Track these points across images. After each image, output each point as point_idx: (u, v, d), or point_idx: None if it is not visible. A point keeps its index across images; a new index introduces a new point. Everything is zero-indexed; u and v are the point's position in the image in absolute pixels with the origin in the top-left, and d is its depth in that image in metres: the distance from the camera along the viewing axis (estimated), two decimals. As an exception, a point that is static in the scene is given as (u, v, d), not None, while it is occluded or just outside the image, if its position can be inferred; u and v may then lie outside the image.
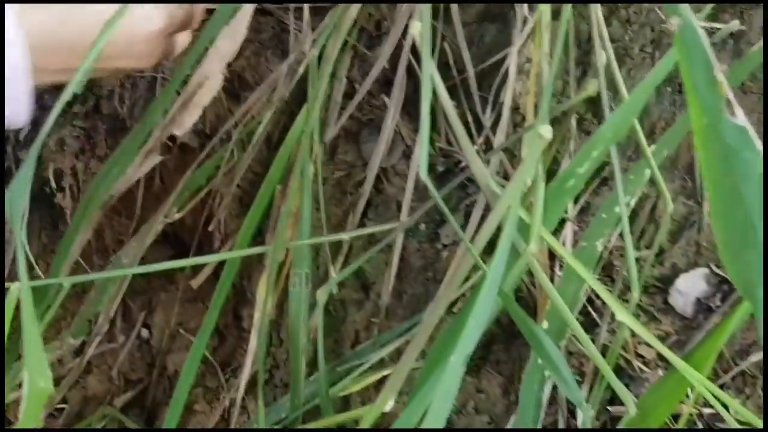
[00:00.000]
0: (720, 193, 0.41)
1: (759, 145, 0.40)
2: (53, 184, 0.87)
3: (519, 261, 0.62)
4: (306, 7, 0.84)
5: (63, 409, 0.87)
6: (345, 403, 0.77)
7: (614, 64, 0.66)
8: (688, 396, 0.70)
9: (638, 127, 0.63)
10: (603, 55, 0.65)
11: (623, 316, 0.59)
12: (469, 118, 0.81)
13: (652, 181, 0.73)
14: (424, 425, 0.58)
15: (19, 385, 0.91)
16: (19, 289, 0.67)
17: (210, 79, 0.57)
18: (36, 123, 0.91)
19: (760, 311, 0.38)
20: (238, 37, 0.57)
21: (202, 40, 0.78)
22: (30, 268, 0.91)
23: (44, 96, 0.90)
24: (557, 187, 0.63)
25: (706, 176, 0.41)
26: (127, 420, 0.83)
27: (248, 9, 0.59)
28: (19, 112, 0.57)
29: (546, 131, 0.62)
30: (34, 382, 0.56)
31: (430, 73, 0.63)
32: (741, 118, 0.40)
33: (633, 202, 0.69)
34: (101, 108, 0.86)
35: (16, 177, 0.59)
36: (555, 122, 0.74)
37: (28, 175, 0.58)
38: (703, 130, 0.41)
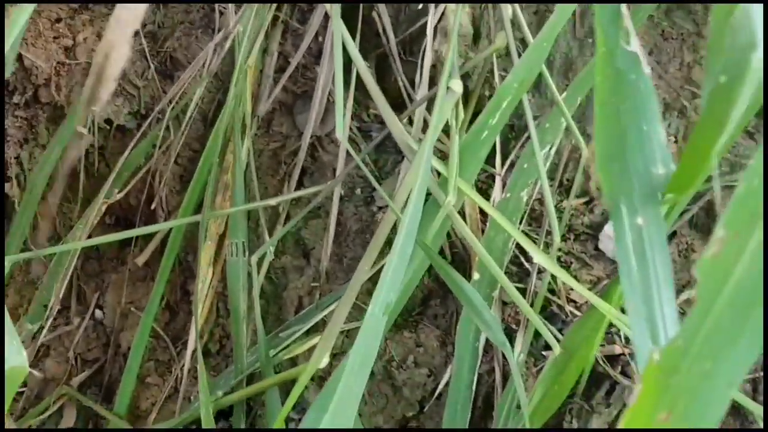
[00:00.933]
0: (604, 113, 0.43)
1: (646, 69, 0.43)
2: None
3: (439, 213, 0.64)
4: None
5: (23, 392, 0.89)
6: (292, 366, 0.78)
7: (521, 17, 0.67)
8: (620, 337, 0.72)
9: (547, 76, 0.65)
10: (509, 8, 0.66)
11: (543, 260, 0.61)
12: (405, 84, 0.82)
13: (582, 131, 0.74)
14: (345, 375, 0.60)
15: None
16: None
17: (116, 49, 0.57)
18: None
19: (620, 227, 0.40)
20: (140, 4, 0.58)
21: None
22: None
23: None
24: (471, 140, 0.65)
25: (597, 98, 0.44)
26: (84, 398, 0.85)
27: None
28: None
29: (456, 85, 0.63)
30: (11, 361, 0.57)
31: (340, 34, 0.65)
32: (635, 46, 0.43)
33: (553, 152, 0.71)
34: (40, 96, 0.86)
35: None
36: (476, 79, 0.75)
37: None
38: (602, 57, 0.43)
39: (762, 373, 0.69)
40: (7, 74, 0.59)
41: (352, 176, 0.81)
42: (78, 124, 0.67)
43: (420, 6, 0.83)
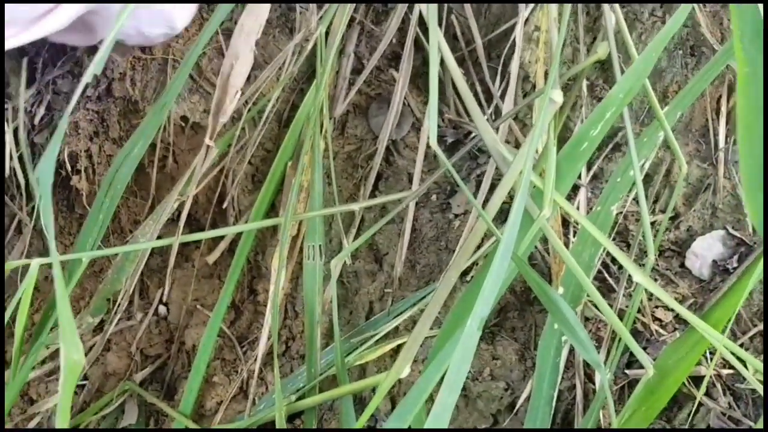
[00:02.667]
0: (750, 138, 0.41)
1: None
2: (68, 167, 0.88)
3: (532, 226, 0.62)
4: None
5: (84, 385, 0.89)
6: (361, 373, 0.77)
7: (624, 27, 0.65)
8: (706, 358, 0.70)
9: (650, 89, 0.63)
10: (612, 17, 0.64)
11: (640, 277, 0.59)
12: (479, 89, 0.81)
13: (667, 146, 0.73)
14: (442, 389, 0.59)
15: (42, 362, 0.93)
16: (38, 266, 0.68)
17: (240, 58, 0.57)
18: (49, 107, 0.92)
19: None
20: (262, 12, 0.57)
21: (213, 20, 0.78)
22: (46, 249, 0.92)
23: (57, 81, 0.91)
24: (570, 151, 0.63)
25: (741, 122, 0.42)
26: (146, 394, 0.84)
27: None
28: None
29: (557, 95, 0.62)
30: (70, 355, 0.57)
31: (437, 40, 0.63)
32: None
33: (647, 166, 0.69)
34: (113, 91, 0.86)
35: (43, 156, 0.59)
36: (565, 89, 0.73)
37: (54, 152, 0.59)
38: (745, 78, 0.42)
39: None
40: (100, 68, 0.59)
41: (426, 181, 0.80)
42: (209, 137, 0.67)
43: (498, 9, 0.82)
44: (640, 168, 0.68)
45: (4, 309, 0.79)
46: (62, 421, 0.65)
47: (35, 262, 0.67)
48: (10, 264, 0.76)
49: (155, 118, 0.72)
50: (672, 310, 0.71)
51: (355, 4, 0.83)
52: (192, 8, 0.72)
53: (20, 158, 0.90)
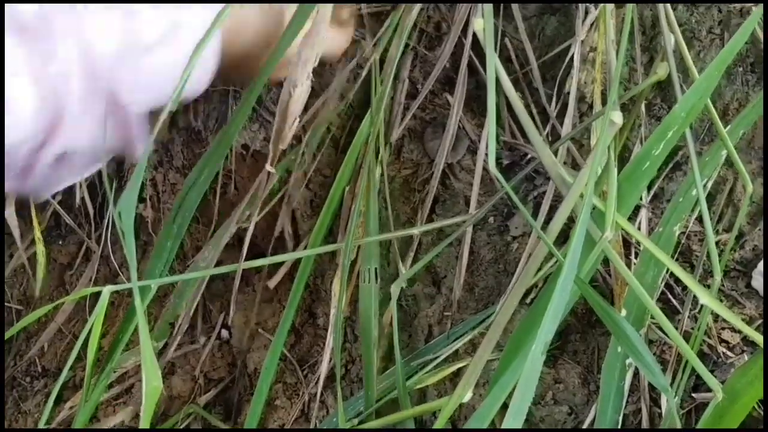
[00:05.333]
0: None
1: None
2: (133, 195, 0.91)
3: (594, 249, 0.62)
4: (365, 12, 0.86)
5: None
6: (421, 397, 0.78)
7: (683, 46, 0.65)
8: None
9: (711, 107, 0.62)
10: (671, 37, 0.64)
11: (706, 298, 0.58)
12: (534, 111, 0.81)
13: (728, 164, 0.72)
14: (507, 415, 0.59)
15: (110, 386, 0.96)
16: (110, 292, 0.70)
17: (298, 87, 0.59)
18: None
19: None
20: (319, 41, 0.59)
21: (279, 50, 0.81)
22: (115, 275, 0.96)
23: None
24: (631, 171, 0.63)
25: None
26: (211, 417, 0.86)
27: (326, 12, 0.61)
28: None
29: (617, 117, 0.61)
30: (150, 382, 0.59)
31: (494, 63, 0.64)
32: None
33: (709, 185, 0.68)
34: (177, 121, 0.89)
35: (125, 190, 0.61)
36: (624, 109, 0.73)
37: (137, 186, 0.61)
38: None
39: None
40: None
41: (483, 204, 0.80)
42: (270, 163, 0.68)
43: (552, 32, 0.82)
44: (703, 187, 0.67)
45: (4, 308, 0.82)
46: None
47: (107, 289, 0.69)
48: (84, 291, 0.79)
49: (220, 147, 0.75)
50: (739, 331, 0.69)
51: (409, 32, 0.84)
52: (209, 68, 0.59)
53: (89, 187, 0.94)
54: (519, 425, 0.58)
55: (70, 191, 0.96)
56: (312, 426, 0.80)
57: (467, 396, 0.66)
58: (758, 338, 0.57)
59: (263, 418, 0.84)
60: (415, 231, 0.73)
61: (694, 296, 0.70)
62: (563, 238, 0.65)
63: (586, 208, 0.58)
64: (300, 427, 0.82)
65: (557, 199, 0.77)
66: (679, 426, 0.60)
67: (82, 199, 0.93)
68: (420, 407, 0.70)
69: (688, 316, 0.69)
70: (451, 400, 0.65)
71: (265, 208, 0.83)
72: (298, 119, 0.54)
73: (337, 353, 0.76)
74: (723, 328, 0.70)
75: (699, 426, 0.64)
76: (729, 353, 0.69)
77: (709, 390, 0.66)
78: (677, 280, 0.71)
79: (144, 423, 0.58)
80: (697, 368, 0.61)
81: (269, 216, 0.88)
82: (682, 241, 0.72)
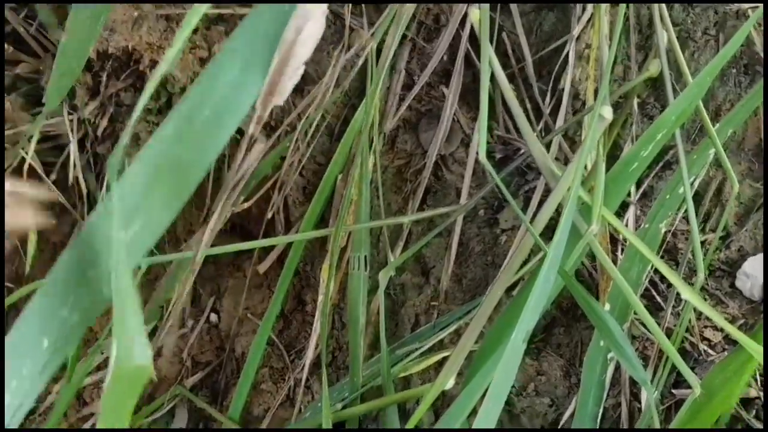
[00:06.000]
0: None
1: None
2: (128, 177, 0.91)
3: (580, 241, 0.63)
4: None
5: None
6: (406, 386, 0.78)
7: (676, 45, 0.65)
8: (756, 380, 0.69)
9: (702, 108, 0.63)
10: (665, 34, 0.64)
11: (689, 295, 0.59)
12: (528, 106, 0.82)
13: (717, 164, 0.72)
14: (486, 402, 0.59)
15: (98, 368, 0.96)
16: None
17: (310, 22, 0.45)
18: (112, 119, 0.96)
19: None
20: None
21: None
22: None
23: (120, 94, 0.96)
24: (619, 170, 0.63)
25: None
26: (196, 399, 0.87)
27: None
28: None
29: (607, 112, 0.62)
30: (137, 360, 0.59)
31: (488, 55, 0.65)
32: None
33: (697, 183, 0.69)
34: (173, 104, 0.90)
35: (116, 148, 0.61)
36: (616, 107, 0.74)
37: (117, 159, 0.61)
38: None
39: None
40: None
41: (474, 196, 0.81)
42: (256, 123, 0.67)
43: (549, 27, 0.83)
44: (690, 186, 0.67)
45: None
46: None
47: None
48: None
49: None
50: (721, 330, 0.70)
51: (407, 22, 0.85)
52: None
53: (83, 168, 0.94)
54: (497, 412, 0.58)
55: (64, 170, 0.96)
56: (296, 411, 0.81)
57: (449, 383, 0.67)
58: (740, 337, 0.58)
59: (249, 401, 0.84)
60: (406, 219, 0.74)
61: (678, 294, 0.71)
62: (551, 233, 0.66)
63: (573, 200, 0.58)
64: (285, 411, 0.83)
65: (547, 194, 0.77)
66: (657, 421, 0.61)
67: (76, 178, 0.94)
68: (402, 393, 0.71)
69: (671, 314, 0.70)
70: (433, 387, 0.66)
71: (257, 193, 0.83)
72: (303, 66, 0.43)
73: (324, 339, 0.77)
74: (705, 327, 0.70)
75: (675, 422, 0.64)
76: (710, 351, 0.70)
77: (689, 387, 0.67)
78: (662, 278, 0.72)
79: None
80: (677, 364, 0.62)
81: (261, 201, 0.88)
82: (668, 239, 0.73)
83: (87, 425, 0.90)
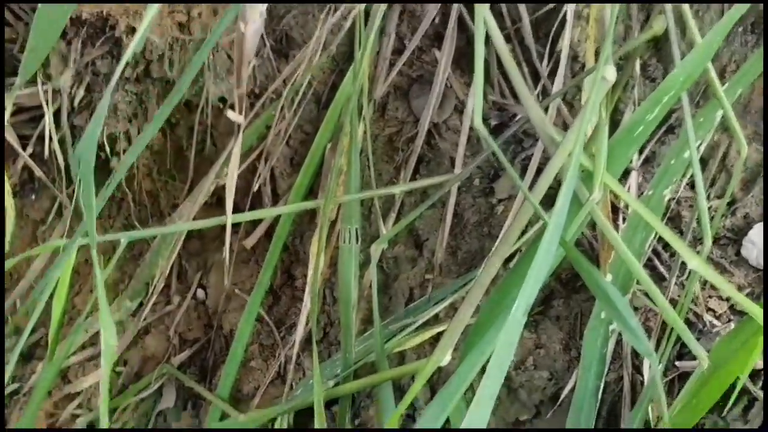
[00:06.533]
0: None
1: None
2: (107, 149, 0.88)
3: (582, 209, 0.60)
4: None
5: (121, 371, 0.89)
6: (400, 361, 0.76)
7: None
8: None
9: (712, 70, 0.59)
10: (670, -10, 0.61)
11: (696, 263, 0.56)
12: (525, 70, 0.78)
13: (722, 128, 0.69)
14: (486, 378, 0.57)
15: (83, 347, 0.93)
16: (77, 247, 0.68)
17: (249, 23, 0.54)
18: (89, 89, 0.92)
19: None
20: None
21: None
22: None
23: (96, 62, 0.91)
24: (624, 135, 0.60)
25: None
26: (184, 377, 0.84)
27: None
28: None
29: (610, 72, 0.59)
30: (106, 339, 0.57)
31: (483, 15, 0.61)
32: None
33: (703, 148, 0.66)
34: (152, 72, 0.86)
35: (83, 137, 0.58)
36: (617, 69, 0.70)
37: (95, 132, 0.58)
38: None
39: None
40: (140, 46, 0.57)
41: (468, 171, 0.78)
42: (237, 112, 0.64)
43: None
44: (696, 149, 0.64)
45: (4, 305, 0.79)
46: (104, 399, 0.65)
47: (74, 243, 0.67)
48: (48, 246, 0.76)
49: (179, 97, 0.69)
50: (727, 299, 0.68)
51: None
52: None
53: (61, 141, 0.90)
54: (497, 388, 0.56)
55: (41, 144, 0.92)
56: (287, 388, 0.78)
57: (446, 359, 0.64)
58: (748, 306, 0.56)
59: (238, 379, 0.82)
60: (398, 190, 0.71)
61: (682, 263, 0.68)
62: (550, 203, 0.63)
63: (575, 165, 0.55)
64: (275, 389, 0.81)
65: (545, 162, 0.74)
66: (662, 395, 0.58)
67: (53, 151, 0.90)
68: (397, 369, 0.69)
69: (675, 284, 0.67)
70: (429, 362, 0.63)
71: (243, 164, 0.80)
72: (252, 61, 0.50)
73: (315, 315, 0.74)
74: (710, 297, 0.68)
75: (680, 395, 0.62)
76: (715, 322, 0.67)
77: (693, 359, 0.65)
78: (665, 246, 0.69)
79: (104, 387, 0.56)
80: (682, 335, 0.59)
81: (247, 173, 0.85)
82: (672, 207, 0.70)
83: (73, 404, 0.88)
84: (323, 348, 0.80)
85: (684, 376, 0.67)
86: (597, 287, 0.59)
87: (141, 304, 0.90)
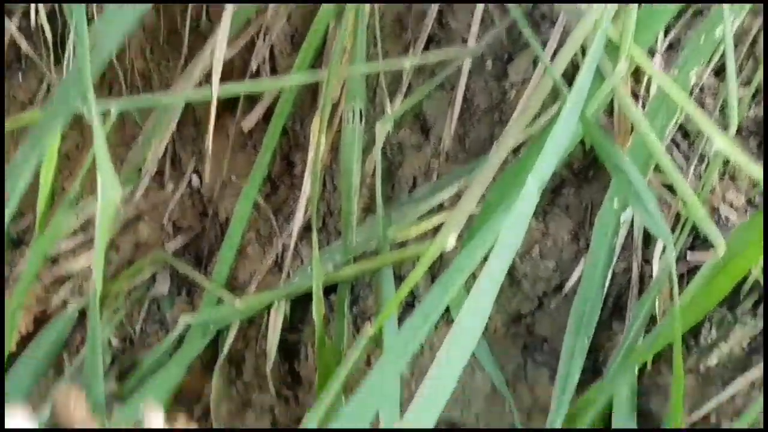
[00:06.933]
0: None
1: None
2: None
3: (604, 83, 0.56)
4: None
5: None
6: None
7: None
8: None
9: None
10: None
11: (722, 142, 0.53)
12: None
13: (753, 12, 0.65)
14: (492, 258, 0.55)
15: (74, 233, 0.91)
16: (65, 119, 0.64)
17: None
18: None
19: None
20: None
21: None
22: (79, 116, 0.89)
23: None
24: (651, 8, 0.56)
25: None
26: (178, 263, 0.82)
27: None
28: None
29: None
30: (106, 191, 0.55)
31: None
32: None
33: (736, 25, 0.61)
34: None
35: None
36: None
37: None
38: None
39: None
40: None
41: (482, 47, 0.73)
42: None
43: None
44: (731, 29, 0.60)
45: (4, 303, 0.76)
46: (97, 272, 0.63)
47: (63, 110, 0.63)
48: (24, 117, 0.72)
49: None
50: (745, 192, 0.65)
51: None
52: None
53: (50, 16, 0.85)
54: (501, 276, 0.54)
55: (27, 18, 0.87)
56: (284, 276, 0.76)
57: (450, 243, 0.62)
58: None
59: (234, 267, 0.80)
60: (407, 64, 0.66)
61: (700, 154, 0.66)
62: (569, 81, 0.59)
63: (601, 33, 0.51)
64: (272, 277, 0.79)
65: (562, 45, 0.70)
66: (675, 283, 0.56)
67: (40, 25, 0.84)
68: (398, 253, 0.66)
69: (693, 174, 0.64)
70: (432, 246, 0.61)
71: (239, 39, 0.75)
72: None
73: (315, 201, 0.71)
74: (728, 189, 0.65)
75: (691, 285, 0.60)
76: (731, 216, 0.65)
77: (705, 250, 0.63)
78: (684, 135, 0.66)
79: (100, 239, 0.53)
80: (700, 223, 0.57)
81: (245, 52, 0.80)
82: (695, 94, 0.66)
83: (64, 289, 0.86)
84: (322, 238, 0.77)
85: (693, 270, 0.65)
86: (614, 166, 0.56)
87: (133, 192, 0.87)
